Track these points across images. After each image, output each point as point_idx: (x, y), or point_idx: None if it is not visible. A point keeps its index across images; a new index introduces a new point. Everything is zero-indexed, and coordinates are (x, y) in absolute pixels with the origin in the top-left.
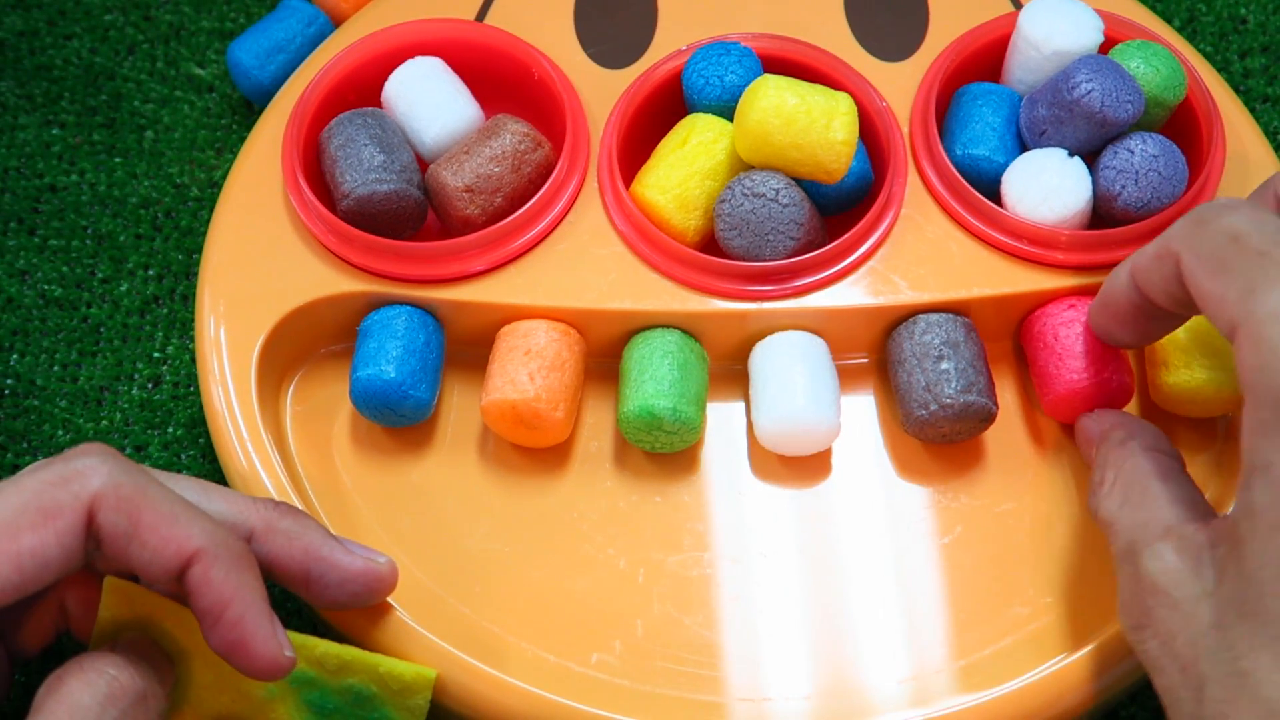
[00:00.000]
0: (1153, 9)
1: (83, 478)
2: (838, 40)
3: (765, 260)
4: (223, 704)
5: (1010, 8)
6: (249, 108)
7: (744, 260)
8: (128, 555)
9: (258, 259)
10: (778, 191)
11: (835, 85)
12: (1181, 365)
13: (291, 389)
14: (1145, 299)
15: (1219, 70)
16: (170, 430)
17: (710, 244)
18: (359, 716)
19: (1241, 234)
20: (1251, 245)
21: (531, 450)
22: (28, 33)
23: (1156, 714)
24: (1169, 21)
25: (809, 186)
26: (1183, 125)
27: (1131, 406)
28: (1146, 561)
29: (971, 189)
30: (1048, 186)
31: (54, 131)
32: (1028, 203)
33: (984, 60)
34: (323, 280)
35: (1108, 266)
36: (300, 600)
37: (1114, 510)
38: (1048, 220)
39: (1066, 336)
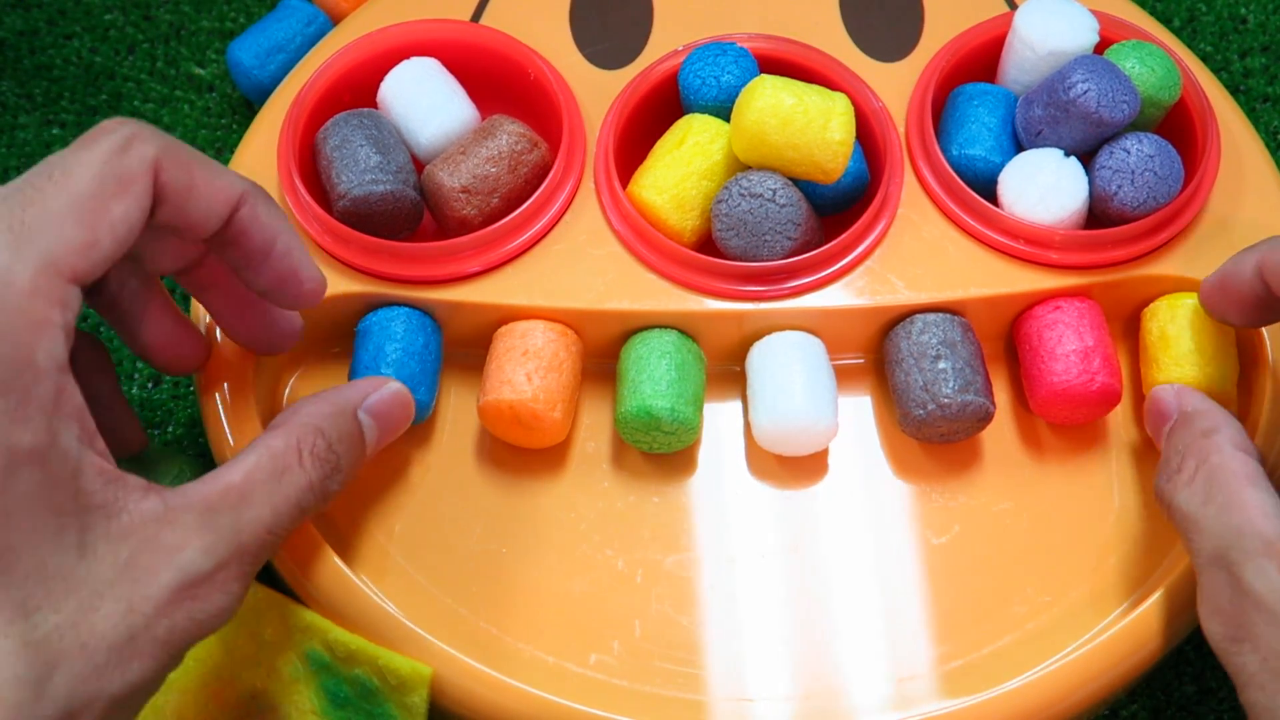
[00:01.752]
0: (1152, 9)
1: (141, 142)
2: (834, 40)
3: (762, 260)
4: (259, 678)
5: (1005, 8)
6: (249, 107)
7: (741, 260)
8: (186, 208)
9: None
10: (774, 191)
11: (831, 85)
12: (1171, 363)
13: (289, 390)
14: (1268, 292)
15: (1219, 70)
16: (170, 430)
17: (707, 244)
18: (366, 710)
19: None
20: None
21: (529, 451)
22: (28, 33)
23: (1156, 714)
24: (1169, 21)
25: (806, 187)
26: (1178, 125)
27: (1125, 405)
28: (1251, 576)
29: (968, 189)
30: (1044, 186)
31: (54, 131)
32: (1024, 203)
33: (980, 60)
34: None
35: (1105, 267)
36: (296, 587)
37: (1195, 506)
38: (1044, 220)
39: (1050, 338)
